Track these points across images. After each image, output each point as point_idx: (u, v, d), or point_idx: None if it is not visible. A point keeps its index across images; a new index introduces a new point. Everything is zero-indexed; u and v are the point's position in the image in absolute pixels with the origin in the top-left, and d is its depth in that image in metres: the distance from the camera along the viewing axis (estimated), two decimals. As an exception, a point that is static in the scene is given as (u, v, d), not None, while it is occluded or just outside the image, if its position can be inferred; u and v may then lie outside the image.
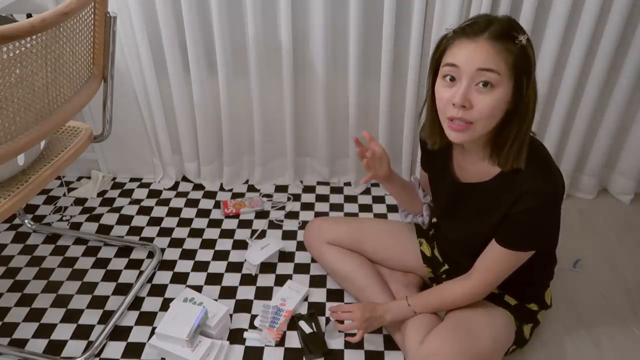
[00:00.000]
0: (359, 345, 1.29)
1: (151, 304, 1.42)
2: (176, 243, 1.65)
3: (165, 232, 1.70)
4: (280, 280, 1.50)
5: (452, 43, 0.93)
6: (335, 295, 1.45)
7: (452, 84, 0.93)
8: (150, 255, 1.60)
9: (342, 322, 1.26)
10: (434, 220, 1.35)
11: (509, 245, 1.03)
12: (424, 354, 1.07)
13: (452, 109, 0.93)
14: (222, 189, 1.92)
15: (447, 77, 0.94)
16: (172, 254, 1.60)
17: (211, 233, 1.69)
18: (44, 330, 1.34)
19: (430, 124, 1.07)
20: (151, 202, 1.84)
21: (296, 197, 1.87)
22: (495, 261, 1.07)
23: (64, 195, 1.87)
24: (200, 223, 1.74)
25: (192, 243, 1.65)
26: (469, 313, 1.14)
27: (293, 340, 1.31)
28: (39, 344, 1.31)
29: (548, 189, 0.96)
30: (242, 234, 1.69)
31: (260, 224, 1.74)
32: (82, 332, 1.34)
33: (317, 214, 1.79)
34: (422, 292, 1.23)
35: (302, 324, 1.33)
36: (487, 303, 1.18)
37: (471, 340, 1.08)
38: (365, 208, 1.83)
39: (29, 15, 1.52)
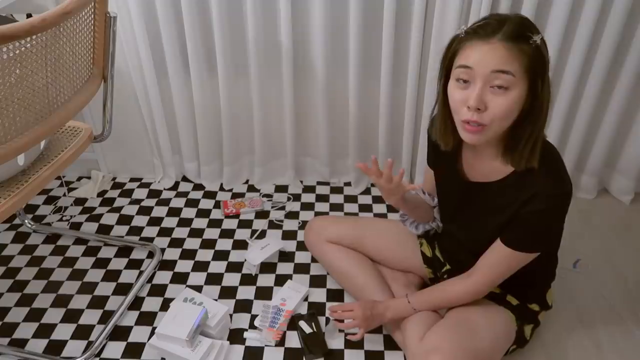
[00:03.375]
0: (359, 345, 1.29)
1: (151, 304, 1.42)
2: (176, 243, 1.65)
3: (165, 232, 1.69)
4: (280, 280, 1.50)
5: (465, 45, 0.92)
6: (336, 295, 1.45)
7: (466, 85, 0.92)
8: (150, 255, 1.60)
9: (342, 321, 1.26)
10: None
11: (515, 246, 1.03)
12: (424, 349, 1.07)
13: (466, 112, 0.92)
14: (222, 189, 1.92)
15: (460, 79, 0.93)
16: (172, 254, 1.60)
17: (211, 233, 1.69)
18: (44, 330, 1.34)
19: (442, 126, 1.06)
20: (151, 202, 1.84)
21: (296, 197, 1.87)
22: (498, 261, 1.07)
23: (64, 195, 1.87)
24: (200, 223, 1.74)
25: (192, 243, 1.65)
26: (470, 311, 1.15)
27: (293, 340, 1.31)
28: (39, 344, 1.31)
29: (559, 191, 0.96)
30: (242, 234, 1.69)
31: (260, 224, 1.74)
32: (82, 332, 1.34)
33: (317, 214, 1.79)
34: (422, 290, 1.23)
35: (302, 324, 1.33)
36: (489, 302, 1.18)
37: (471, 338, 1.08)
38: (365, 208, 1.82)
39: (29, 15, 1.52)
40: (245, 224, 1.74)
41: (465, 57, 0.91)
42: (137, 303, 1.42)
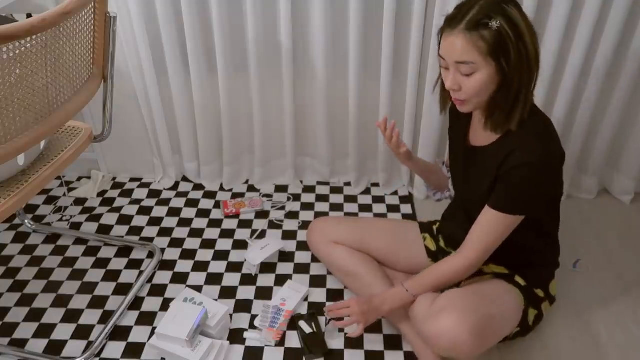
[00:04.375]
0: (359, 345, 1.29)
1: (151, 304, 1.42)
2: (176, 243, 1.65)
3: (165, 232, 1.70)
4: (280, 280, 1.50)
5: (443, 31, 1.01)
6: (336, 295, 1.45)
7: (446, 68, 1.04)
8: (150, 255, 1.60)
9: (341, 319, 1.25)
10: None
11: (498, 207, 1.07)
12: (434, 310, 1.08)
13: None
14: (222, 189, 1.92)
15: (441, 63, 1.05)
16: (172, 254, 1.60)
17: (211, 233, 1.69)
18: (44, 330, 1.34)
19: (441, 92, 1.17)
20: (151, 202, 1.84)
21: (296, 197, 1.87)
22: (486, 228, 1.10)
23: (64, 195, 1.87)
24: (200, 223, 1.74)
25: (192, 243, 1.65)
26: (481, 284, 1.18)
27: (293, 340, 1.31)
28: (39, 344, 1.31)
29: (536, 149, 1.01)
30: (242, 234, 1.69)
31: (260, 224, 1.74)
32: (82, 332, 1.34)
33: (317, 214, 1.79)
34: (417, 275, 1.22)
35: (302, 324, 1.33)
36: (498, 280, 1.20)
37: (482, 302, 1.10)
38: (365, 208, 1.82)
39: (29, 15, 1.52)
40: (245, 224, 1.74)
41: (441, 46, 1.02)
42: (137, 303, 1.42)
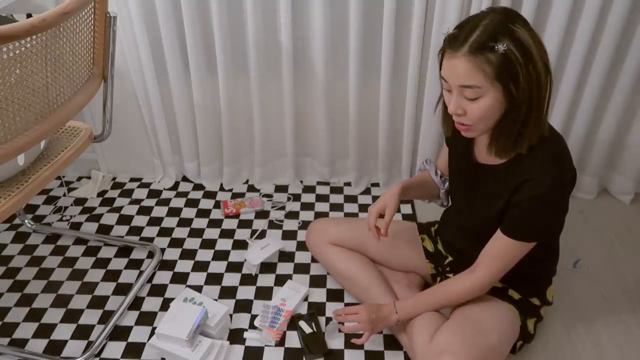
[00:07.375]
0: (359, 345, 1.29)
1: (151, 304, 1.42)
2: (176, 243, 1.65)
3: (165, 232, 1.70)
4: (280, 280, 1.50)
5: (444, 52, 0.97)
6: (336, 295, 1.45)
7: (449, 91, 0.99)
8: (150, 255, 1.60)
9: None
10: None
11: (513, 235, 1.04)
12: (434, 350, 1.07)
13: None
14: (222, 189, 1.92)
15: (443, 85, 1.00)
16: (172, 254, 1.60)
17: (211, 233, 1.69)
18: (44, 330, 1.34)
19: (443, 115, 1.13)
20: (151, 202, 1.84)
21: (296, 197, 1.87)
22: (499, 252, 1.08)
23: (64, 195, 1.87)
24: (200, 223, 1.74)
25: (192, 243, 1.65)
26: (475, 308, 1.15)
27: (293, 340, 1.31)
28: (39, 344, 1.31)
29: (552, 178, 0.97)
30: (242, 234, 1.69)
31: (260, 224, 1.74)
32: (82, 332, 1.34)
33: (317, 214, 1.79)
34: (427, 290, 1.23)
35: (302, 324, 1.33)
36: (492, 298, 1.19)
37: (479, 334, 1.08)
38: (366, 208, 1.82)
39: (29, 15, 1.52)
40: (245, 224, 1.74)
41: (443, 68, 0.97)
42: (137, 303, 1.42)
